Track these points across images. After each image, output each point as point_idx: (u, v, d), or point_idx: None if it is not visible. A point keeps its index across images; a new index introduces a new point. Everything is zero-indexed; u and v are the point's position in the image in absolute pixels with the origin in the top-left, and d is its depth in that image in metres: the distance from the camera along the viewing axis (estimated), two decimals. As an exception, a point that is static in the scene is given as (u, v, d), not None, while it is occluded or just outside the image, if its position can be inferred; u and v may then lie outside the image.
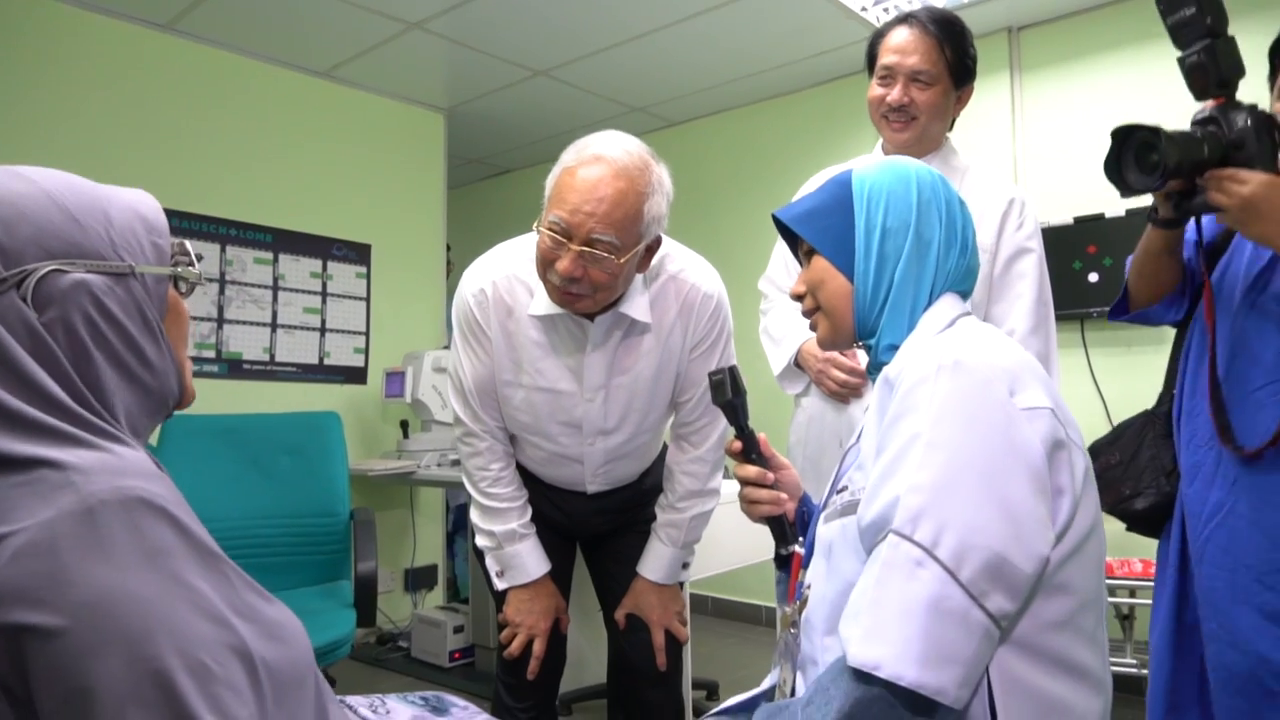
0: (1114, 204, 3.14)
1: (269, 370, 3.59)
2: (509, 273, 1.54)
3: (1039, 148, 3.41)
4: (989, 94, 3.46)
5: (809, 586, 1.07)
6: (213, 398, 3.36)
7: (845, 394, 1.76)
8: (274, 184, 3.64)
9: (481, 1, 3.18)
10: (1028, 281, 1.66)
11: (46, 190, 0.77)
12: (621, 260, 1.38)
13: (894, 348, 1.03)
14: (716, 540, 2.74)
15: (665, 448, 1.78)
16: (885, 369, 0.98)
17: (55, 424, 0.72)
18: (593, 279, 1.38)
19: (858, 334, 1.09)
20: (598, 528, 1.78)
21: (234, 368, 3.48)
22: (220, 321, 3.46)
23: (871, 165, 1.09)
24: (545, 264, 1.41)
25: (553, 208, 1.37)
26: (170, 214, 3.18)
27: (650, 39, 3.52)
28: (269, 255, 3.61)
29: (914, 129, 1.68)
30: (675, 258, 1.58)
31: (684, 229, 4.14)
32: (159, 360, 0.83)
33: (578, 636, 2.94)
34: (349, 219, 3.89)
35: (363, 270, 3.92)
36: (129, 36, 3.26)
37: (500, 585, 1.67)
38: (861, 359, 1.77)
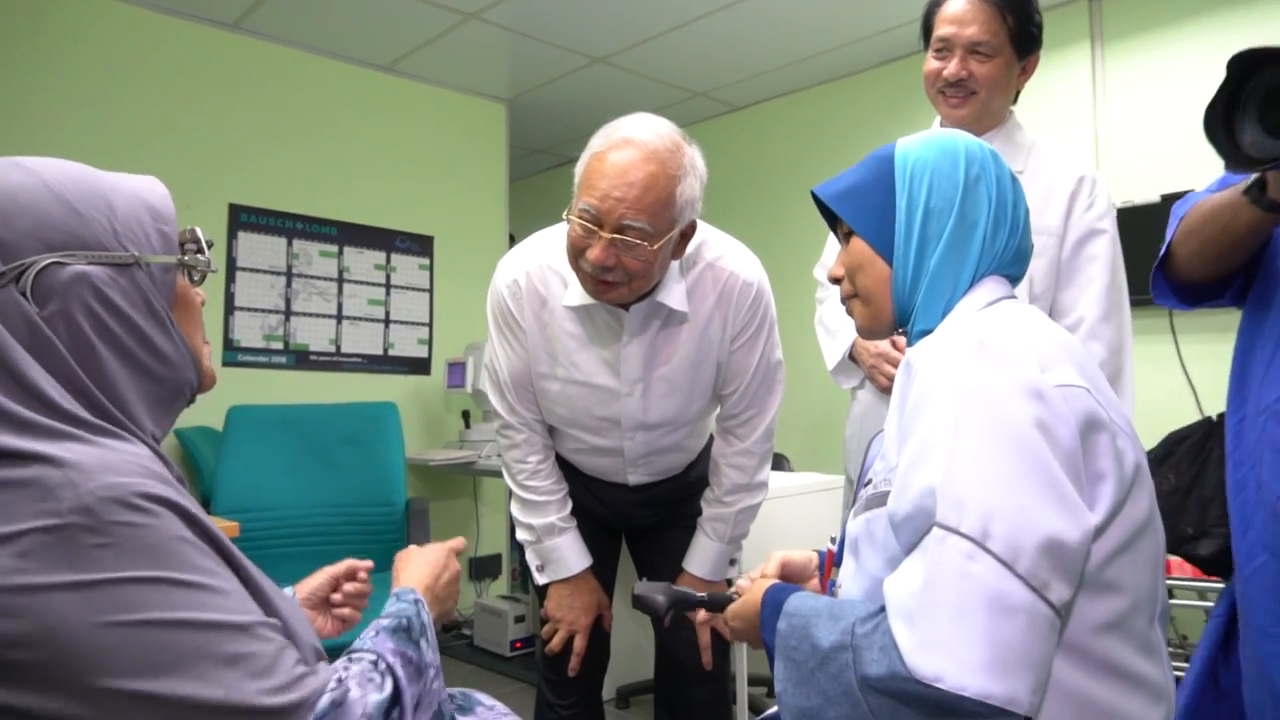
0: (1206, 180, 2.94)
1: (335, 361, 3.66)
2: (542, 263, 1.51)
3: (1123, 122, 3.21)
4: (1068, 66, 3.28)
5: (840, 585, 1.02)
6: (280, 388, 3.44)
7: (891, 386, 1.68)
8: (338, 178, 3.70)
9: (537, -11, 3.17)
10: (1099, 265, 1.54)
11: (45, 181, 0.76)
12: (655, 247, 1.33)
13: (927, 333, 0.96)
14: (774, 533, 2.68)
15: (712, 438, 1.73)
16: (908, 352, 0.92)
17: (51, 422, 0.71)
18: (626, 267, 1.34)
19: (897, 321, 1.02)
20: (641, 520, 1.74)
21: (301, 359, 3.56)
22: (287, 314, 3.54)
23: (916, 139, 1.01)
24: (576, 253, 1.37)
25: (582, 194, 1.33)
26: (238, 209, 3.29)
27: (710, 21, 3.44)
28: (334, 248, 3.68)
29: (973, 105, 1.58)
30: (713, 244, 1.53)
31: (749, 216, 4.09)
32: (170, 349, 0.82)
33: (635, 630, 2.92)
34: (412, 211, 3.93)
35: (426, 262, 3.96)
36: (199, 37, 3.35)
37: (541, 580, 1.65)
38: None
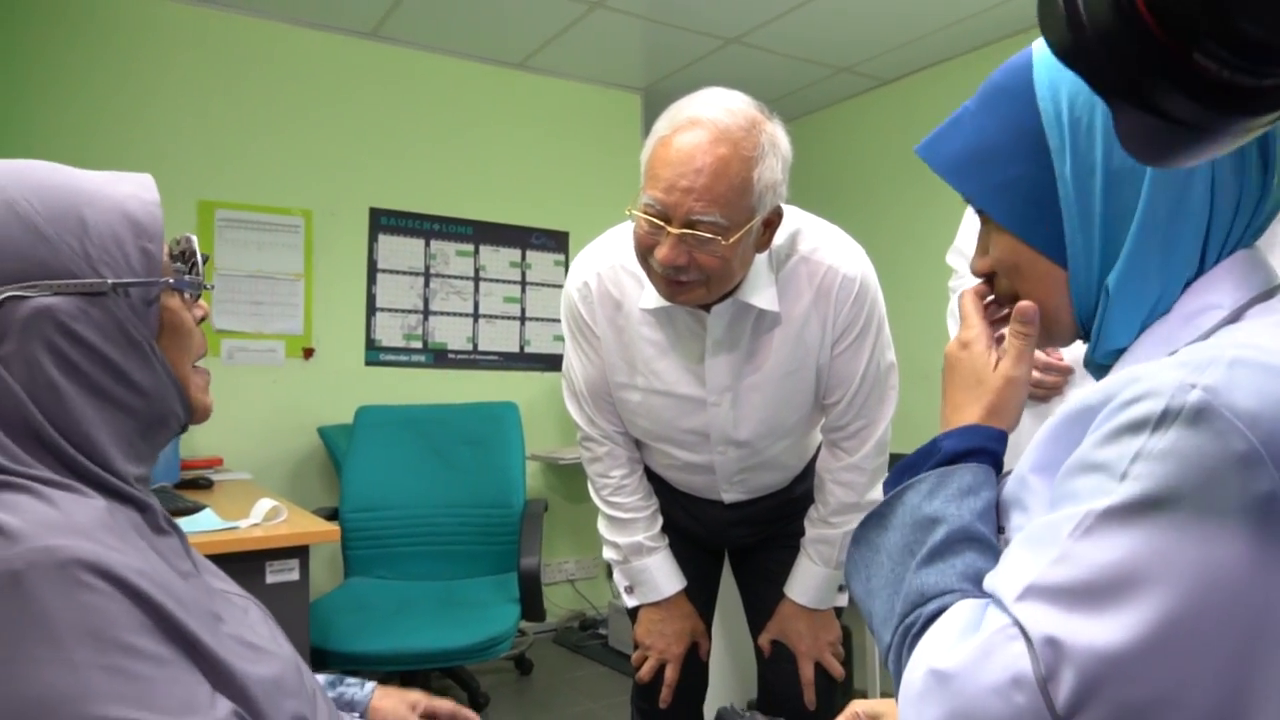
0: None
1: (472, 359, 3.70)
2: (615, 263, 1.39)
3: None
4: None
5: None
6: (419, 387, 3.52)
7: (1043, 394, 1.43)
8: (474, 178, 3.74)
9: (659, -30, 3.03)
10: None
11: (11, 200, 0.69)
12: (731, 240, 1.17)
13: (1117, 354, 0.67)
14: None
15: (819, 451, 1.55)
16: (1083, 391, 0.61)
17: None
18: (701, 265, 1.18)
19: (1082, 328, 0.70)
20: (740, 540, 1.59)
21: (439, 357, 3.63)
22: (425, 313, 3.61)
23: None
24: (644, 252, 1.23)
25: (646, 187, 1.19)
26: (378, 213, 3.38)
27: (847, -12, 3.19)
28: (470, 247, 3.72)
29: None
30: (808, 234, 1.34)
31: (900, 198, 3.79)
32: (149, 380, 0.74)
33: (741, 656, 2.75)
34: (547, 207, 3.91)
35: (561, 258, 3.93)
36: (338, 48, 3.46)
37: (630, 603, 1.54)
38: (1067, 352, 1.43)
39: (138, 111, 3.07)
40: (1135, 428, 0.53)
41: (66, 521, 0.64)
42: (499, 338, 3.76)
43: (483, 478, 2.68)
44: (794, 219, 1.32)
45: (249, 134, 3.24)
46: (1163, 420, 0.51)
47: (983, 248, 0.73)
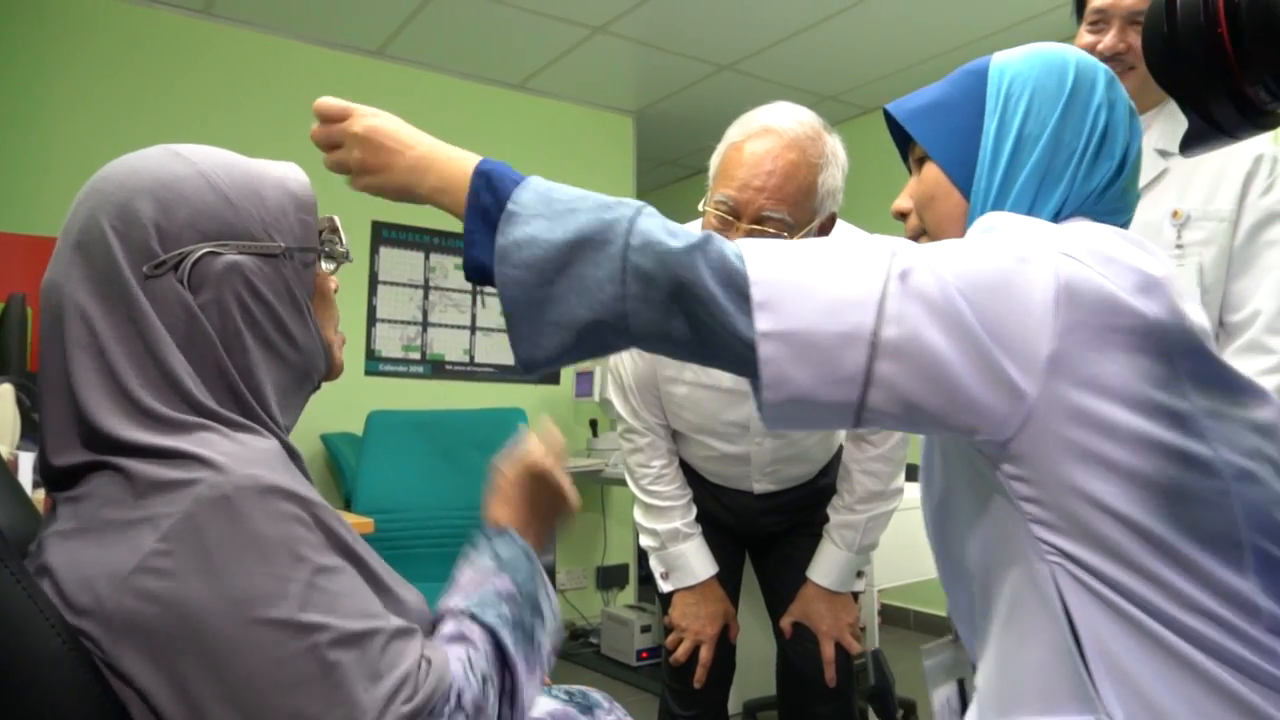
0: None
1: (469, 370, 3.77)
2: None
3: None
4: None
5: None
6: (418, 396, 3.58)
7: None
8: (473, 194, 3.82)
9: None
10: (1279, 251, 1.38)
11: (203, 172, 0.78)
12: (795, 238, 1.28)
13: None
14: (916, 545, 2.54)
15: (841, 447, 1.65)
16: None
17: (191, 417, 0.72)
18: None
19: None
20: (767, 528, 1.68)
21: (437, 368, 3.69)
22: (424, 325, 3.67)
23: (1018, 52, 0.86)
24: None
25: (719, 186, 1.30)
26: (380, 225, 3.43)
27: (837, 21, 3.36)
28: (468, 261, 3.80)
29: (1131, 79, 1.45)
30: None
31: (883, 223, 3.94)
32: (305, 339, 0.82)
33: (763, 642, 2.83)
34: (542, 224, 4.01)
35: (555, 273, 4.03)
36: (345, 64, 3.54)
37: (666, 587, 1.62)
38: None
39: (143, 123, 3.11)
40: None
41: (256, 456, 0.72)
42: (495, 350, 3.84)
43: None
44: (842, 229, 1.43)
45: (255, 147, 3.23)
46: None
47: (908, 192, 0.90)
